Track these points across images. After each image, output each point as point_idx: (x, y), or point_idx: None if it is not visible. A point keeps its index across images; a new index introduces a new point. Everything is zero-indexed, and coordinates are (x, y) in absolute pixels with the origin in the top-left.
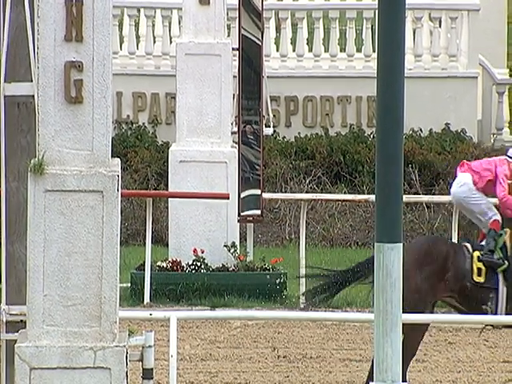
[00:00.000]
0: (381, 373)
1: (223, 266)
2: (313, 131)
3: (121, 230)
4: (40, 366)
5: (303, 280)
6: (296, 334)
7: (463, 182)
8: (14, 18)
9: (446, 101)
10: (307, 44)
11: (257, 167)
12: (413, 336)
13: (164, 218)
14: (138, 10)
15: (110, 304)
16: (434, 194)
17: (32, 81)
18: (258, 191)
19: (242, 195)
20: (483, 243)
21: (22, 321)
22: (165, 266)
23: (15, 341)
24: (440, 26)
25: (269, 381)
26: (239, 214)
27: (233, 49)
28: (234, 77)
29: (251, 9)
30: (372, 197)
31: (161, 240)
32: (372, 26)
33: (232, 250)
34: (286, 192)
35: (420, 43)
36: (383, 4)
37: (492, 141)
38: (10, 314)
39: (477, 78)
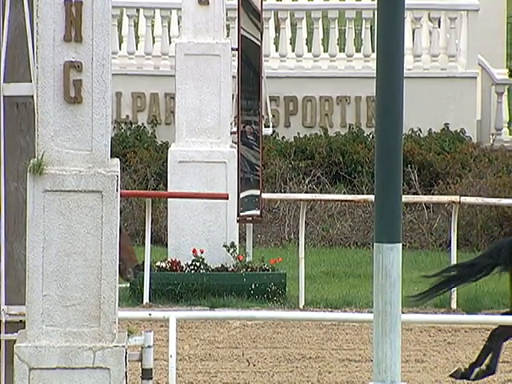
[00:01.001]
0: (380, 373)
1: (222, 266)
2: (312, 131)
3: (120, 230)
4: (39, 366)
5: (302, 280)
6: (295, 335)
7: None
8: (12, 18)
9: (445, 101)
10: (306, 44)
11: (256, 167)
12: None
13: (163, 219)
14: (138, 10)
15: (110, 304)
16: (433, 194)
17: (31, 81)
18: (258, 191)
19: (242, 195)
20: None
21: (21, 321)
22: (164, 266)
23: (14, 341)
24: (439, 27)
25: (268, 381)
26: (238, 215)
27: (232, 49)
28: (234, 77)
29: (250, 9)
30: (371, 197)
31: (160, 240)
32: (371, 27)
33: (231, 250)
34: (285, 192)
35: (419, 43)
36: (382, 4)
37: (491, 141)
38: (9, 314)
39: (476, 78)
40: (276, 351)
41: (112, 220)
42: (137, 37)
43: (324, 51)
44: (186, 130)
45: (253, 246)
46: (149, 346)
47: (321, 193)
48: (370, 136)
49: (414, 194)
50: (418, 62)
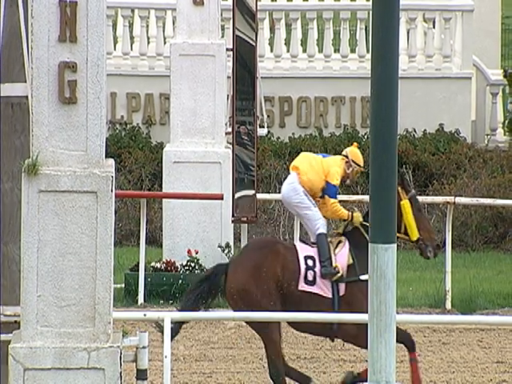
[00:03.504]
0: (375, 373)
1: None
2: (307, 132)
3: (115, 230)
4: (34, 367)
5: None
6: (290, 335)
7: None
8: (7, 18)
9: (439, 101)
10: (301, 45)
11: (251, 168)
12: None
13: (158, 219)
14: (132, 11)
15: (104, 305)
16: (427, 195)
17: (26, 81)
18: (253, 192)
19: (236, 196)
20: None
21: (16, 321)
22: (159, 266)
23: (9, 341)
24: (434, 27)
25: (263, 381)
26: (233, 215)
27: (227, 49)
28: (228, 77)
29: (245, 9)
30: (366, 197)
31: (155, 241)
32: (366, 27)
33: (226, 251)
34: (280, 193)
35: (414, 44)
36: (377, 5)
37: (486, 141)
38: (4, 315)
39: (471, 78)
40: None
41: (107, 220)
42: (132, 37)
43: (319, 52)
44: (181, 131)
45: None
46: (143, 347)
47: None
48: (365, 136)
49: None
50: (412, 62)
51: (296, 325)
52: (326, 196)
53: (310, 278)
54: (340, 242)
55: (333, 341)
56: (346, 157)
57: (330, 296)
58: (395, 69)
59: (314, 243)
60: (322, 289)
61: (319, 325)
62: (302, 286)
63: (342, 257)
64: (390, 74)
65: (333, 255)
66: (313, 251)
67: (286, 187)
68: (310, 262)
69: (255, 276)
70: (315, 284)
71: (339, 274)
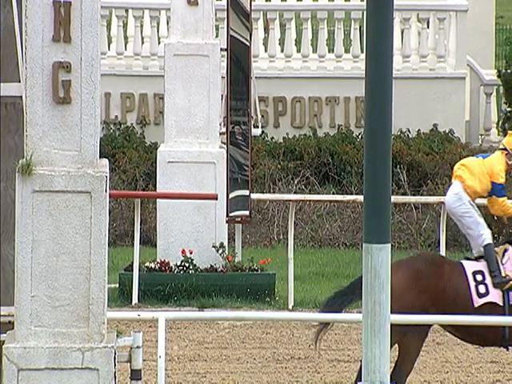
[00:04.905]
0: (369, 374)
1: (211, 266)
2: (301, 132)
3: (109, 230)
4: (28, 367)
5: (291, 281)
6: (284, 335)
7: None
8: (1, 18)
9: (433, 101)
10: (295, 45)
11: (245, 168)
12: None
13: (152, 219)
14: (127, 11)
15: (98, 305)
16: (422, 195)
17: (20, 81)
18: (247, 192)
19: (231, 196)
20: None
21: (9, 322)
22: (153, 266)
23: (3, 342)
24: (428, 27)
25: (257, 381)
26: (227, 215)
27: (221, 49)
28: (223, 77)
29: (239, 9)
30: (360, 197)
31: (149, 241)
32: (360, 27)
33: (220, 251)
34: (274, 193)
35: (408, 44)
36: (371, 5)
37: (480, 141)
38: None
39: (465, 78)
40: (265, 351)
41: (101, 220)
42: (126, 37)
43: (313, 52)
44: (175, 131)
45: (242, 247)
46: (138, 347)
47: (310, 193)
48: (359, 136)
49: (402, 194)
50: (406, 62)
51: (468, 338)
52: (494, 196)
53: (482, 290)
54: (505, 250)
55: (507, 349)
56: (505, 149)
57: (502, 304)
58: (389, 69)
59: (477, 258)
60: (496, 297)
61: (490, 334)
62: (477, 302)
63: (510, 265)
64: (384, 74)
65: (500, 265)
66: (480, 265)
67: (451, 197)
68: (478, 277)
69: (412, 284)
70: (489, 294)
71: (511, 282)
